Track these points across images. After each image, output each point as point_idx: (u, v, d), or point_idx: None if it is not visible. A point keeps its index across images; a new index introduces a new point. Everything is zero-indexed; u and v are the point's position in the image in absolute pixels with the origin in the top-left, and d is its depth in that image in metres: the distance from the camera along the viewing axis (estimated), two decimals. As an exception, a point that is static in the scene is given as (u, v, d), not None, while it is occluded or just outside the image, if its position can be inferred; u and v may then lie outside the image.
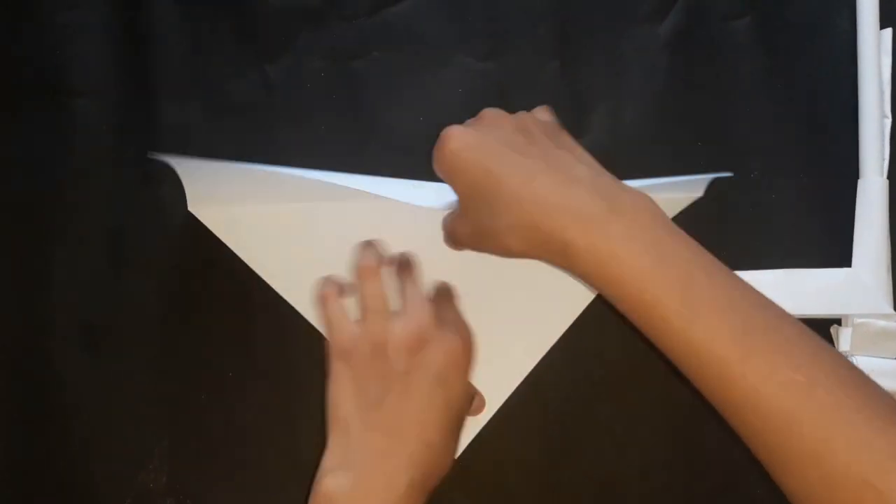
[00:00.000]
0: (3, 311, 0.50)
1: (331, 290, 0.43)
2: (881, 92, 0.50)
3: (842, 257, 0.49)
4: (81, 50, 0.53)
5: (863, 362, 0.46)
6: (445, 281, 0.46)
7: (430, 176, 0.50)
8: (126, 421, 0.49)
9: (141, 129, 0.52)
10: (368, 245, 0.45)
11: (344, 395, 0.40)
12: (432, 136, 0.51)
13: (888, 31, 0.51)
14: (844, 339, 0.47)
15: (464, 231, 0.41)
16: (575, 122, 0.52)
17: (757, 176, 0.51)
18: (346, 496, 0.37)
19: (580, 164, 0.37)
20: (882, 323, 0.47)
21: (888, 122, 0.50)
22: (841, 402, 0.30)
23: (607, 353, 0.49)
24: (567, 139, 0.40)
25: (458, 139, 0.38)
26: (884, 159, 0.49)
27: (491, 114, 0.40)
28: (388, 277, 0.44)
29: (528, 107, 0.51)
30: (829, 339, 0.48)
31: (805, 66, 0.52)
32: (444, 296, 0.45)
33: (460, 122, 0.51)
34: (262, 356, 0.49)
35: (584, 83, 0.53)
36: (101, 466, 0.48)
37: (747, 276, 0.48)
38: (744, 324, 0.32)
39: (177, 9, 0.53)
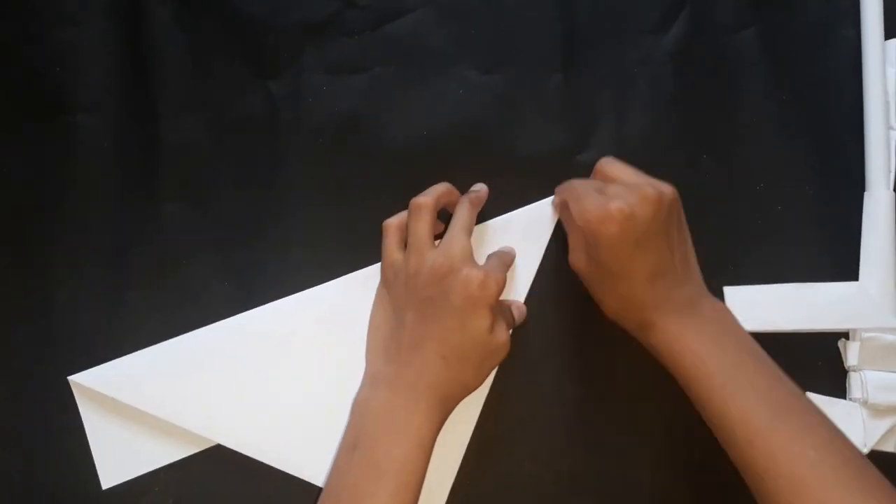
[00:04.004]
0: (3, 326, 0.50)
1: (393, 221, 0.48)
2: (887, 103, 0.50)
3: (848, 270, 0.49)
4: (83, 67, 0.52)
5: (871, 377, 0.46)
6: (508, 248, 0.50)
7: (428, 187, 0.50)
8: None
9: (143, 145, 0.52)
10: (435, 187, 0.48)
11: (379, 316, 0.48)
12: (436, 150, 0.51)
13: (893, 42, 0.51)
14: (852, 354, 0.47)
15: (581, 267, 0.45)
16: (579, 135, 0.52)
17: (762, 188, 0.51)
18: (377, 403, 0.44)
19: (681, 270, 0.44)
20: (890, 337, 0.46)
21: (895, 133, 0.50)
22: (842, 480, 0.37)
23: (618, 373, 0.49)
24: (681, 220, 0.46)
25: (623, 222, 0.41)
26: (890, 171, 0.49)
27: (656, 203, 0.42)
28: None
29: (534, 120, 0.52)
30: (837, 353, 0.48)
31: (810, 78, 0.52)
32: (499, 253, 0.49)
33: (462, 134, 0.51)
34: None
35: (588, 95, 0.52)
36: (104, 492, 0.48)
37: (754, 290, 0.49)
38: (775, 405, 0.40)
39: (178, 25, 0.53)
